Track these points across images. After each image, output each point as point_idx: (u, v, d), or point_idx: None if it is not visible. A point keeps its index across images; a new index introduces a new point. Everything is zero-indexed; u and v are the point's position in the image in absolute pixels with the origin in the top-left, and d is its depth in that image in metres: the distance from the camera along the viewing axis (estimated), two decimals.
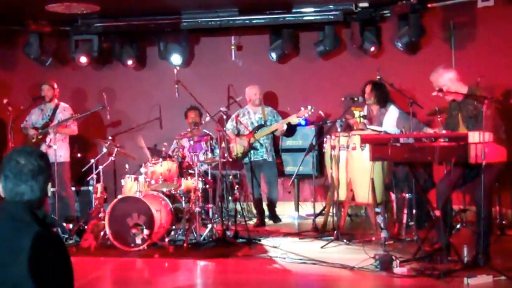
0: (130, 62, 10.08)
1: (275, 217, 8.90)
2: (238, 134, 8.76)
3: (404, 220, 7.34)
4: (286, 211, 9.70)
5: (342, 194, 7.52)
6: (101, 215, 7.64)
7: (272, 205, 8.86)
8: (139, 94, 10.30)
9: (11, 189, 2.52)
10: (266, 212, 8.95)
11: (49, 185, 2.62)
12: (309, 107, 8.44)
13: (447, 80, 6.02)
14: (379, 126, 7.56)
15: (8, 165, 2.53)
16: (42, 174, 2.55)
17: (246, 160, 8.67)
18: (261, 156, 8.73)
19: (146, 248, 6.95)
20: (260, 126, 8.76)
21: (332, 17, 9.31)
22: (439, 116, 7.62)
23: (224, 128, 8.11)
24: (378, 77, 7.54)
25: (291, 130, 9.30)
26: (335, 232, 7.31)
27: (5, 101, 8.10)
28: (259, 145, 8.69)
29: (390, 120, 7.58)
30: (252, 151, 8.64)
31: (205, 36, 10.32)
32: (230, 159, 8.21)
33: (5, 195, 2.54)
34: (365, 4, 9.09)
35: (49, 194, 2.63)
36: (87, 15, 9.46)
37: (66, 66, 10.39)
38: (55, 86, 8.68)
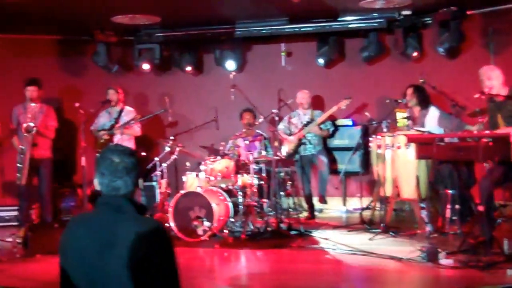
0: (188, 69, 10.18)
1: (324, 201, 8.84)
2: (290, 134, 8.76)
3: (448, 215, 7.22)
4: (334, 205, 9.65)
5: (388, 190, 7.44)
6: (164, 208, 7.74)
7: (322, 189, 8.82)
8: (197, 98, 10.36)
9: (108, 185, 2.59)
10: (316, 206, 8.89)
11: (140, 179, 2.68)
12: (347, 98, 8.53)
13: (497, 75, 5.96)
14: (421, 127, 7.47)
15: (103, 163, 2.59)
16: (134, 170, 2.62)
17: (297, 157, 8.65)
18: (309, 151, 8.71)
19: (207, 239, 7.01)
20: (307, 124, 8.75)
21: (376, 24, 9.24)
22: (479, 117, 7.49)
23: (276, 128, 8.12)
24: (421, 80, 7.44)
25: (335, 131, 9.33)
26: (382, 225, 7.26)
27: (76, 105, 8.17)
28: (307, 142, 8.68)
29: (432, 120, 7.48)
30: (301, 147, 8.63)
31: (257, 43, 10.32)
32: (283, 157, 8.24)
33: (102, 189, 2.61)
34: (408, 12, 8.98)
35: (141, 187, 2.69)
36: (149, 26, 9.60)
37: (130, 72, 10.51)
38: (119, 90, 8.83)
